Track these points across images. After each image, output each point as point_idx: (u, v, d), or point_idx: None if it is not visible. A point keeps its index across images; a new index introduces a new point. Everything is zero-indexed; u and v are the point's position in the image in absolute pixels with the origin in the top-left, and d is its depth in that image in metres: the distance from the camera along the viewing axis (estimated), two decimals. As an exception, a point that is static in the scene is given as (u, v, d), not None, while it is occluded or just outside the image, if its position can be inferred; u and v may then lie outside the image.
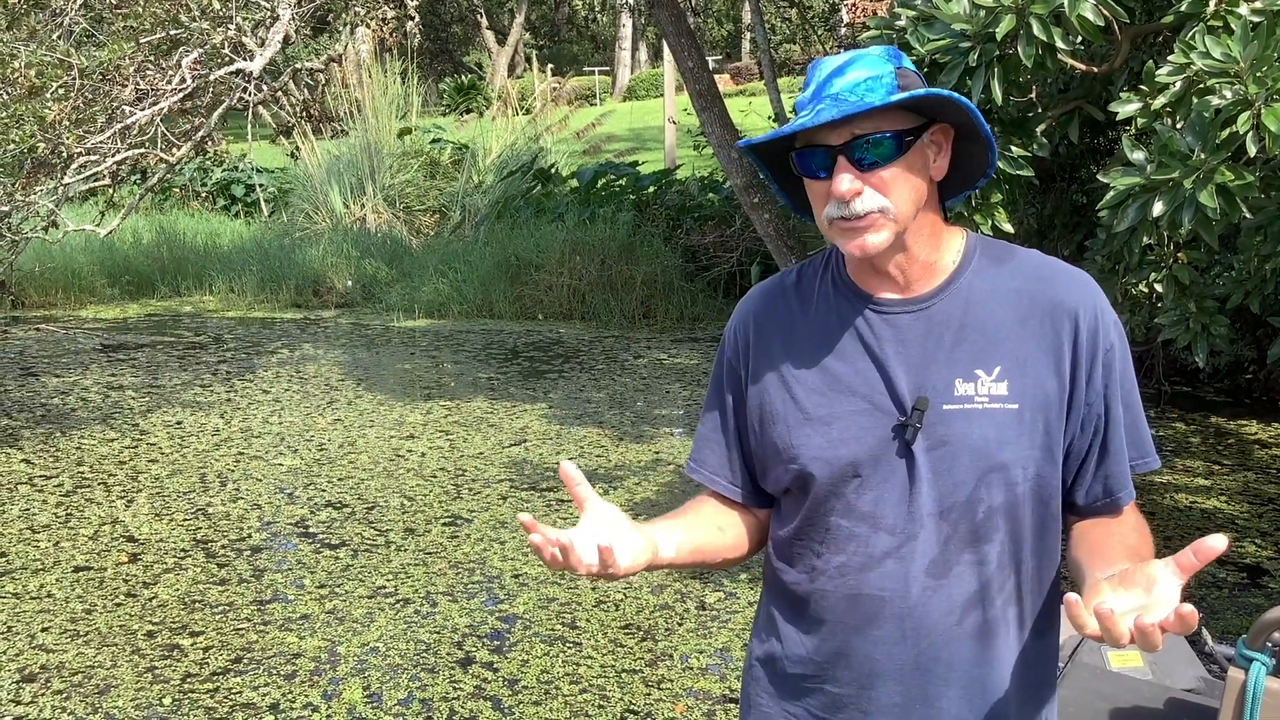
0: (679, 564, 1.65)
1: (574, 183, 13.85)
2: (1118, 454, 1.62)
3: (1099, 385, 1.59)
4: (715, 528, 1.74)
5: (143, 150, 7.39)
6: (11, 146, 6.41)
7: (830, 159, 1.53)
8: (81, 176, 7.25)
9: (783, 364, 1.67)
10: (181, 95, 7.19)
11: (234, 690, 4.01)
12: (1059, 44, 3.24)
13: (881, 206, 1.53)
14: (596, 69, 33.89)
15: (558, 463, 6.39)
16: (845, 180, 1.51)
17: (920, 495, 1.57)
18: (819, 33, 14.26)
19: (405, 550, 5.28)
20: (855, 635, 1.62)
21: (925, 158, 1.58)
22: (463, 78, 30.44)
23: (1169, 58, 3.19)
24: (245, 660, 4.23)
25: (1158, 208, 3.14)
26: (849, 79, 1.52)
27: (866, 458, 1.58)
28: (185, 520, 5.71)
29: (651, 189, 12.85)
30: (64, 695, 3.99)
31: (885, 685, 1.61)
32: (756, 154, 1.65)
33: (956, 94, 1.53)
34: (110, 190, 8.79)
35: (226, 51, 7.40)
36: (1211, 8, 3.19)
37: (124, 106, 7.13)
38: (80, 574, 5.05)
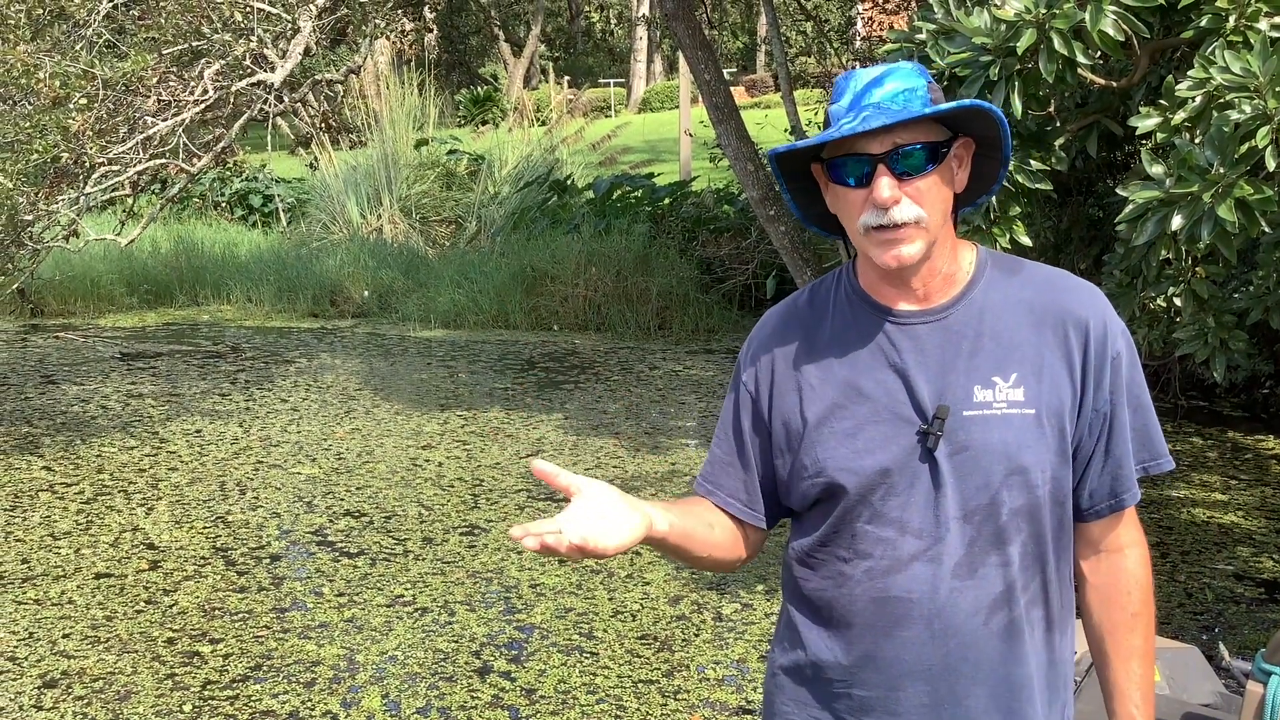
0: (670, 543, 1.65)
1: (589, 194, 13.87)
2: (1122, 457, 1.67)
3: (1106, 391, 1.64)
4: (705, 524, 1.75)
5: (164, 160, 7.44)
6: (35, 156, 6.47)
7: (870, 168, 1.56)
8: (103, 186, 7.31)
9: (804, 382, 1.70)
10: (203, 106, 7.24)
11: (253, 697, 4.04)
12: (1079, 58, 3.26)
13: (917, 217, 1.57)
14: (612, 81, 33.95)
15: (575, 473, 6.43)
16: (886, 186, 1.55)
17: (945, 499, 1.61)
18: (834, 46, 14.28)
19: (423, 559, 5.30)
20: (883, 638, 1.65)
21: (951, 171, 1.64)
22: (479, 89, 30.55)
23: (1189, 73, 3.21)
24: (265, 668, 4.26)
25: (1176, 222, 3.15)
26: (888, 89, 1.57)
27: (892, 465, 1.63)
28: (205, 528, 5.75)
29: (667, 201, 12.87)
30: (85, 701, 4.02)
31: (914, 685, 1.64)
32: (777, 161, 1.68)
33: (993, 106, 1.57)
34: (130, 200, 8.85)
35: (248, 63, 7.45)
36: (1231, 23, 3.20)
37: (146, 117, 7.19)
38: (101, 581, 5.09)
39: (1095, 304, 1.66)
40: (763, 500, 1.78)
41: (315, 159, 14.77)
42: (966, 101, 1.58)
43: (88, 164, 6.91)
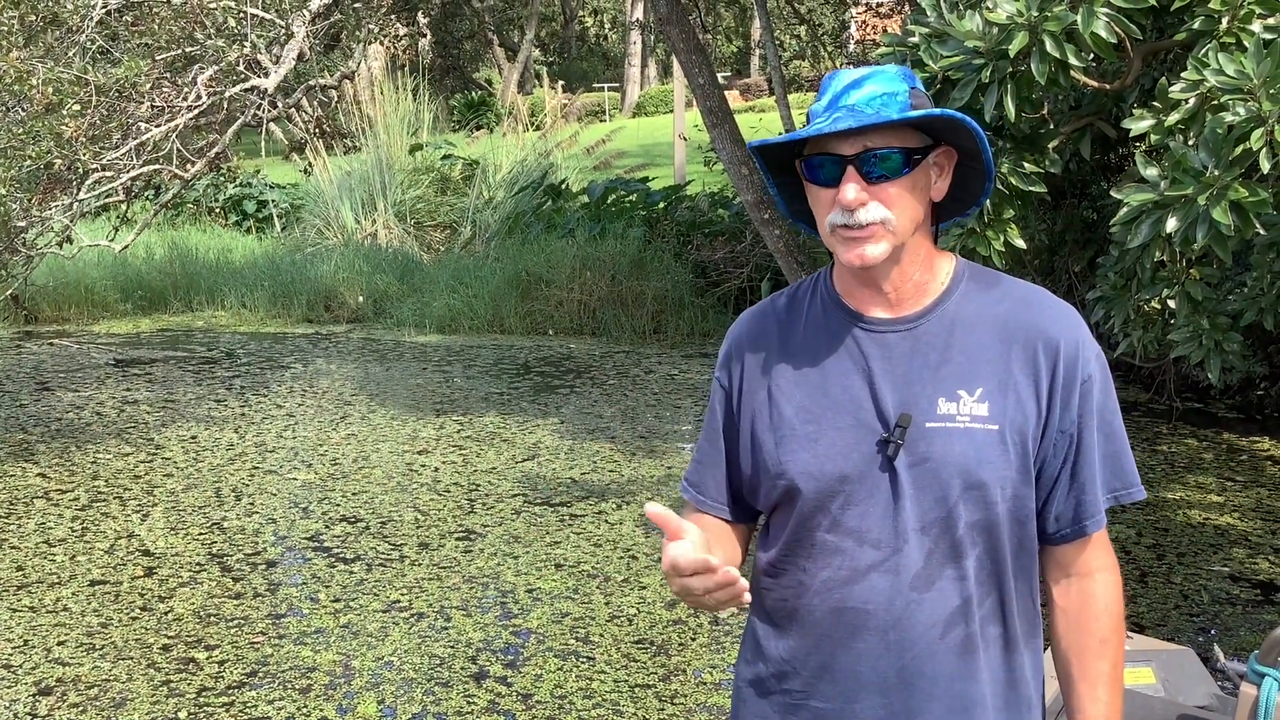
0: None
1: (584, 198, 13.87)
2: (1088, 483, 1.65)
3: (1074, 414, 1.63)
4: (731, 547, 1.80)
5: (158, 166, 7.44)
6: (28, 163, 6.46)
7: (840, 168, 1.57)
8: (97, 193, 7.30)
9: (773, 383, 1.70)
10: (197, 112, 7.24)
11: (249, 704, 4.03)
12: (1072, 61, 3.26)
13: (884, 218, 1.57)
14: (606, 85, 33.95)
15: (571, 478, 6.44)
16: (851, 189, 1.56)
17: (903, 510, 1.60)
18: (828, 49, 14.32)
19: (419, 565, 5.30)
20: (839, 648, 1.64)
21: (928, 178, 1.63)
22: (473, 94, 30.54)
23: (1182, 75, 3.21)
24: (260, 674, 4.25)
25: (1171, 224, 3.15)
26: (866, 92, 1.57)
27: (852, 473, 1.62)
28: (200, 534, 5.73)
29: (662, 205, 12.87)
30: (80, 709, 4.01)
31: (869, 699, 1.63)
32: (762, 157, 1.69)
33: (968, 118, 1.57)
34: (124, 206, 8.84)
35: (242, 69, 7.45)
36: (1224, 25, 3.21)
37: (140, 123, 7.18)
38: (96, 588, 5.08)
39: (1069, 325, 1.64)
40: (731, 495, 1.80)
41: (309, 164, 14.76)
42: (936, 110, 1.57)
43: (81, 170, 6.90)
